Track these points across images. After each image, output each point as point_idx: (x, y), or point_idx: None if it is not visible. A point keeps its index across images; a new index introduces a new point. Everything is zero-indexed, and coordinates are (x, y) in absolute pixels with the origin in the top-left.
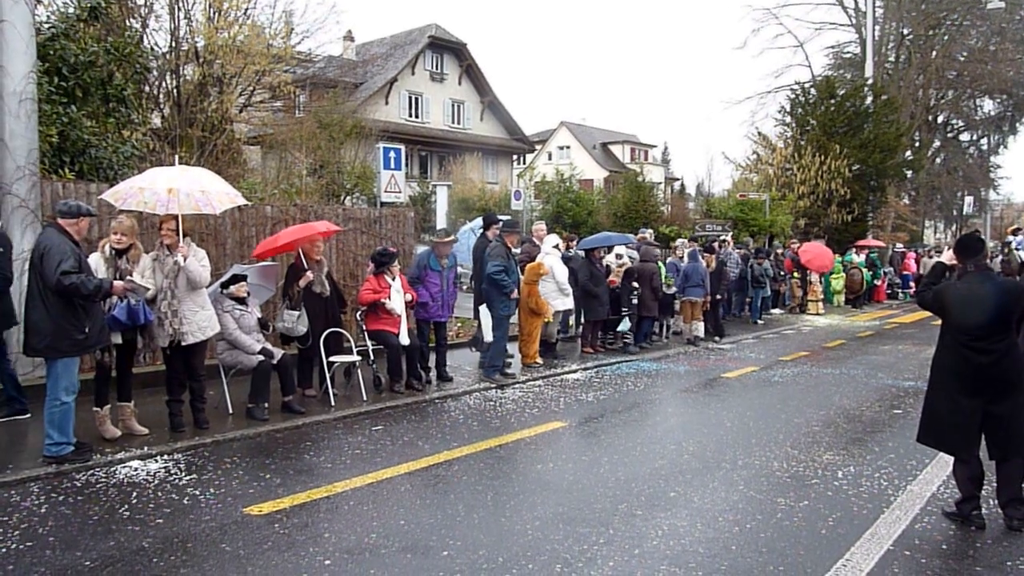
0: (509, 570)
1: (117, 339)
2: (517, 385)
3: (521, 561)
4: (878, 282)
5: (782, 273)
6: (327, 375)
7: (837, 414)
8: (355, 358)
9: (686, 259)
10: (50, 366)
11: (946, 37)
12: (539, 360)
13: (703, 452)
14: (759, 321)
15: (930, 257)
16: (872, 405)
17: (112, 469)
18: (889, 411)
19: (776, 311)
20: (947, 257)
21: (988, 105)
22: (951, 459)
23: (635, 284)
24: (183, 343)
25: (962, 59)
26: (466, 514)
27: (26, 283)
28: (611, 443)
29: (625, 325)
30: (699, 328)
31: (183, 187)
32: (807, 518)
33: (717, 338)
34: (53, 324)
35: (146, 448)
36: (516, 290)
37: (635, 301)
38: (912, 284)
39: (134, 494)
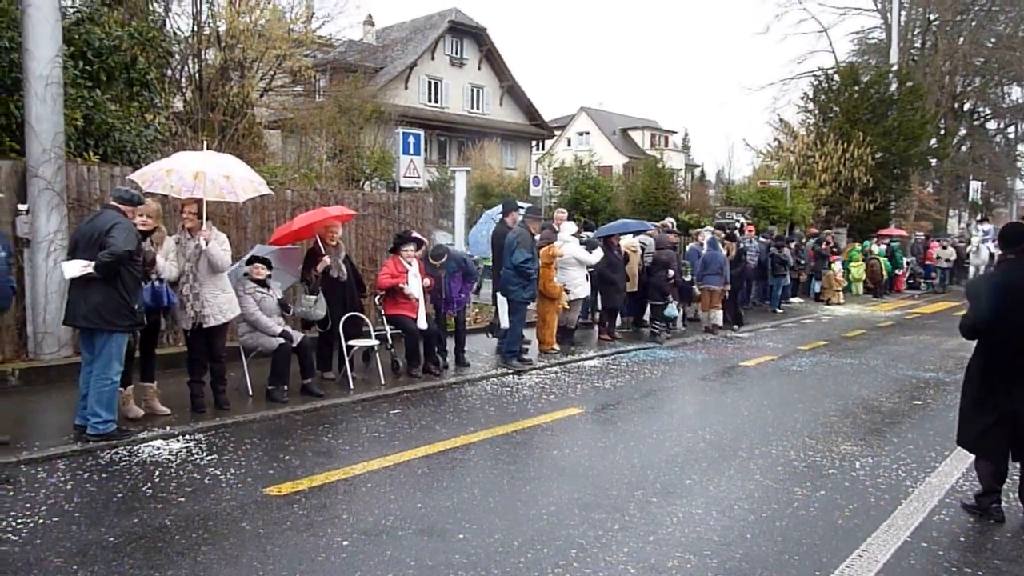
0: (524, 554)
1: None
2: (534, 371)
3: (536, 545)
4: (899, 271)
5: (802, 262)
6: (346, 359)
7: (855, 404)
8: (374, 342)
9: (705, 247)
10: (104, 344)
11: (974, 23)
12: (556, 346)
13: (719, 440)
14: (778, 310)
15: (944, 248)
16: (891, 396)
17: (135, 448)
18: (909, 402)
19: (796, 300)
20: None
21: (1016, 93)
22: (970, 454)
23: (671, 272)
24: (204, 325)
25: (990, 45)
26: (482, 498)
27: (50, 265)
28: (627, 430)
29: (672, 312)
30: (717, 316)
31: (209, 173)
32: (824, 508)
33: (736, 327)
34: (114, 300)
35: (168, 428)
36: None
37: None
38: (934, 274)
39: (156, 473)
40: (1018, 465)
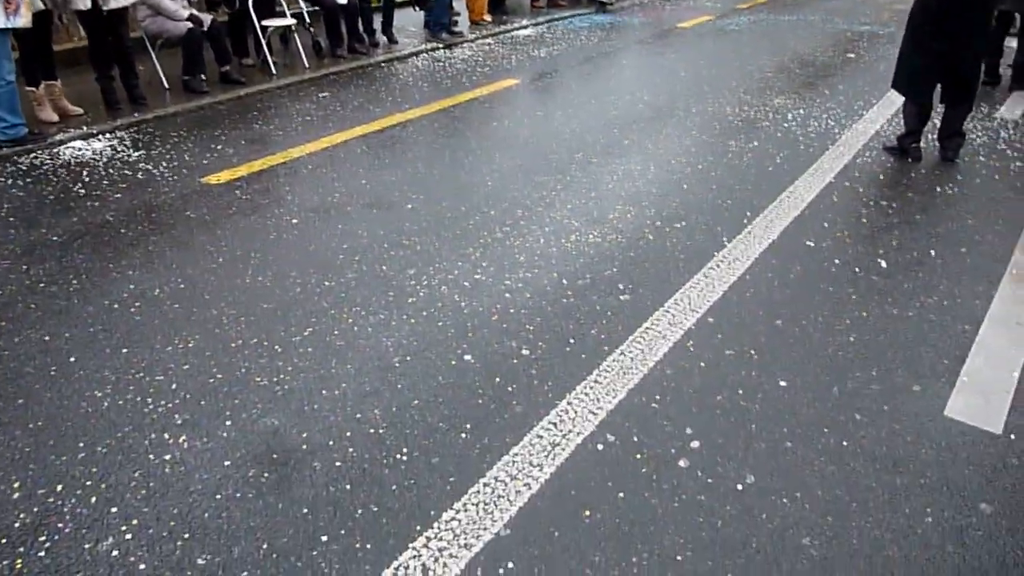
0: (472, 217)
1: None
2: (465, 44)
3: (483, 208)
4: None
5: None
6: (263, 42)
7: (791, 60)
8: (290, 21)
9: None
10: None
11: None
12: (488, 17)
13: (657, 101)
14: None
15: None
16: (826, 50)
17: (55, 151)
18: (842, 55)
19: None
20: None
21: None
22: (897, 100)
23: None
24: (105, 7)
25: None
26: (426, 171)
27: None
28: (565, 98)
29: None
30: None
31: None
32: (756, 157)
33: None
34: None
35: (85, 128)
36: None
37: None
38: None
39: (84, 173)
40: (942, 107)
